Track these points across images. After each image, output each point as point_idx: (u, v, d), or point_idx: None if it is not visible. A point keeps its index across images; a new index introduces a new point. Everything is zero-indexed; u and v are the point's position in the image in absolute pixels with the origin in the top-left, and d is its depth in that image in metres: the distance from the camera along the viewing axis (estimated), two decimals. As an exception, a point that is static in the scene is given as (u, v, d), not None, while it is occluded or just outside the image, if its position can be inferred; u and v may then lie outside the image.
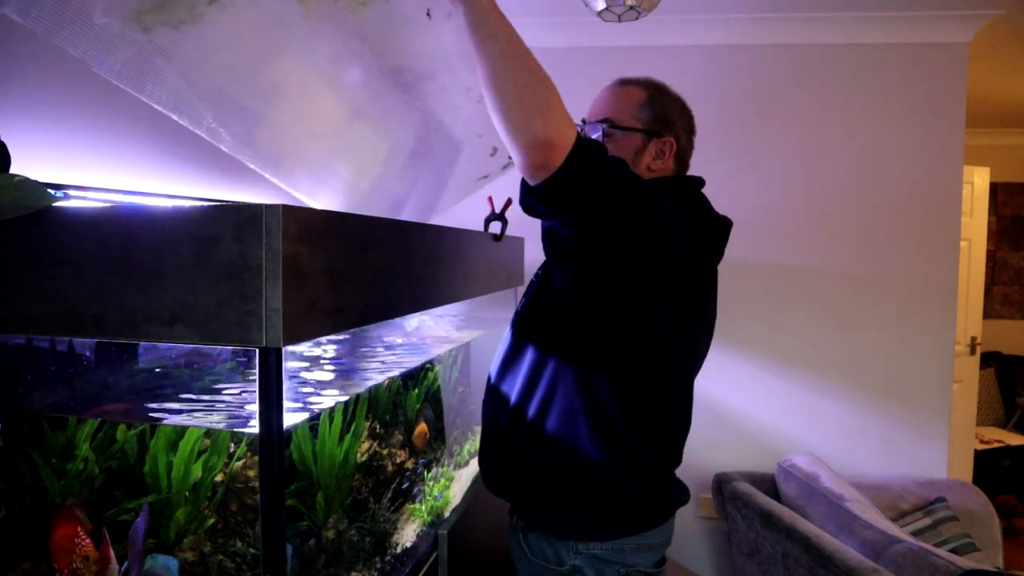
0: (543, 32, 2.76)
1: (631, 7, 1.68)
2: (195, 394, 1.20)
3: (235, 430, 1.16)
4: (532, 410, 1.18)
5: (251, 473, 1.25)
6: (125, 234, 0.85)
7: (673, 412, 1.20)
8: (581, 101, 2.99)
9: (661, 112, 1.24)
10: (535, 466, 1.18)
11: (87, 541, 0.99)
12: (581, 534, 1.17)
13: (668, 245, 1.07)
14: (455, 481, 1.87)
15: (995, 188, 4.32)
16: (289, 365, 1.41)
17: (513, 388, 1.22)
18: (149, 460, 1.10)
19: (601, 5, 1.69)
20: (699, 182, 1.28)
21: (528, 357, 1.20)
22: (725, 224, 1.27)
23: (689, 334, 1.20)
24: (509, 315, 2.52)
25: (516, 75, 0.94)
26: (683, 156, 1.27)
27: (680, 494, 1.26)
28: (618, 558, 1.18)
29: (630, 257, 1.05)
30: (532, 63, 0.95)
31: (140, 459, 1.11)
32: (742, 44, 2.71)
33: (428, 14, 1.15)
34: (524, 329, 1.24)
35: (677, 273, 1.11)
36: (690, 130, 1.28)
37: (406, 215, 1.53)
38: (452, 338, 2.27)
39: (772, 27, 2.66)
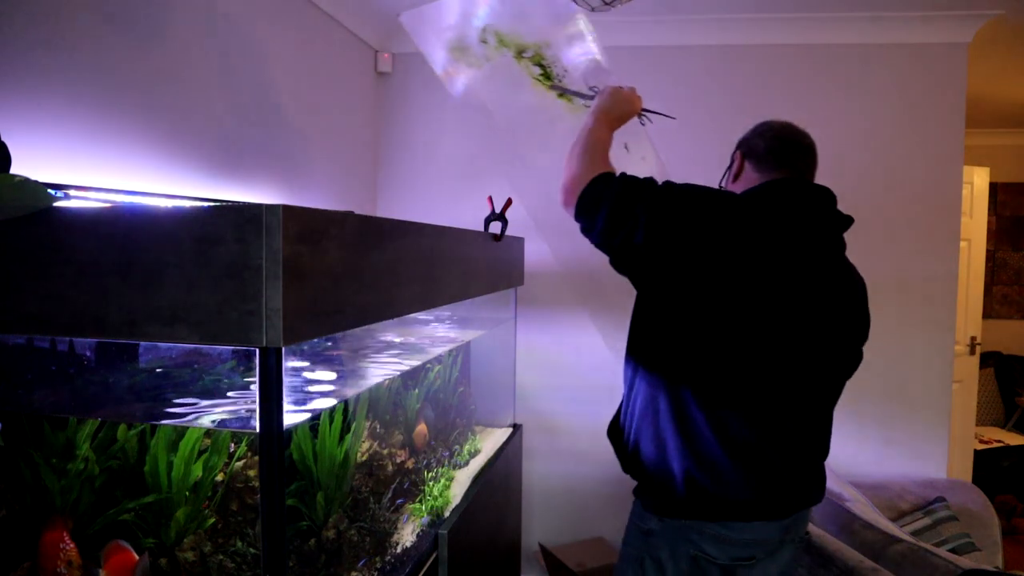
0: (543, 32, 2.76)
1: (605, 1, 1.68)
2: (195, 394, 1.20)
3: (235, 430, 1.16)
4: (632, 405, 1.38)
5: (251, 473, 1.25)
6: (125, 234, 0.85)
7: (760, 414, 1.25)
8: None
9: (742, 138, 1.51)
10: (633, 450, 1.39)
11: (71, 547, 0.99)
12: (656, 508, 1.33)
13: (719, 253, 1.21)
14: (455, 481, 1.87)
15: (995, 188, 4.31)
16: (289, 364, 1.41)
17: (625, 385, 1.43)
18: (149, 460, 1.10)
19: None
20: (786, 184, 1.34)
21: (630, 366, 1.40)
22: (832, 223, 1.36)
23: (778, 335, 1.24)
24: (509, 315, 2.53)
25: (582, 151, 1.39)
26: (761, 156, 1.41)
27: (767, 500, 1.29)
28: (692, 537, 1.30)
29: (666, 263, 1.24)
30: (598, 148, 1.40)
31: (140, 459, 1.11)
32: (742, 44, 2.70)
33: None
34: (629, 346, 1.42)
35: (739, 280, 1.21)
36: (767, 134, 1.43)
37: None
38: (452, 338, 2.27)
39: (772, 27, 2.66)
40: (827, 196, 1.37)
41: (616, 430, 1.46)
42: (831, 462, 2.44)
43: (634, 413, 1.38)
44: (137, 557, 1.00)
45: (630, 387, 1.40)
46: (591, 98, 1.70)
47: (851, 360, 1.41)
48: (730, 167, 1.48)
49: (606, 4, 1.65)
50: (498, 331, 2.52)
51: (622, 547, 1.44)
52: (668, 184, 1.30)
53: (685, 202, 1.24)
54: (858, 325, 1.38)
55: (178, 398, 1.19)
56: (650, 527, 1.35)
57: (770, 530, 1.32)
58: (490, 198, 2.00)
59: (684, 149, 2.76)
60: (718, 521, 1.29)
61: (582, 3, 1.69)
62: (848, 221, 1.39)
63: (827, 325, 1.30)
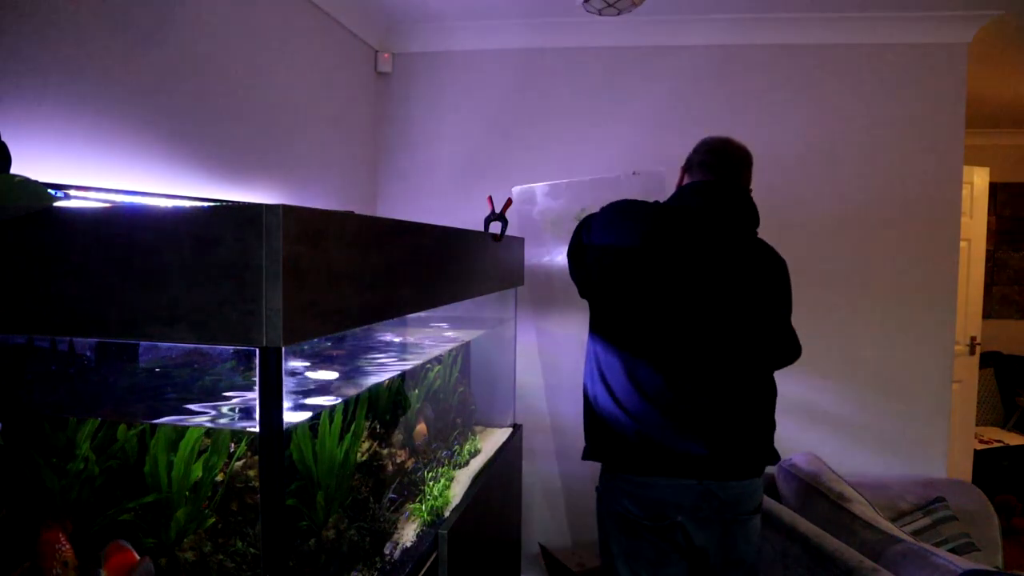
0: (542, 32, 2.76)
1: (610, 4, 1.72)
2: (195, 394, 1.20)
3: (235, 430, 1.17)
4: (584, 373, 1.69)
5: (251, 473, 1.25)
6: (125, 234, 0.85)
7: (655, 371, 1.50)
8: (581, 101, 2.99)
9: (687, 157, 1.73)
10: (584, 411, 1.67)
11: (67, 547, 0.99)
12: (595, 455, 1.63)
13: (627, 239, 1.57)
14: (455, 481, 1.87)
15: (995, 188, 4.30)
16: (290, 364, 1.41)
17: None
18: (149, 460, 1.10)
19: None
20: (690, 187, 1.63)
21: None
22: (733, 213, 1.58)
23: (667, 302, 1.51)
24: (509, 315, 2.54)
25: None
26: (694, 169, 1.66)
27: (662, 455, 1.49)
28: (616, 493, 1.56)
29: (595, 253, 1.64)
30: None
31: (140, 459, 1.11)
32: (742, 44, 2.70)
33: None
34: None
35: (640, 259, 1.54)
36: (701, 150, 1.67)
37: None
38: (452, 338, 2.27)
39: (772, 27, 2.66)
40: (732, 193, 1.59)
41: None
42: (831, 461, 2.45)
43: (584, 378, 1.66)
44: (138, 557, 1.00)
45: (586, 359, 1.68)
46: None
47: (753, 330, 1.54)
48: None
49: (610, 6, 1.69)
50: (498, 331, 2.52)
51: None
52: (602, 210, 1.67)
53: (604, 211, 1.64)
54: (758, 298, 1.56)
55: (178, 398, 1.19)
56: (598, 488, 1.66)
57: (679, 492, 1.50)
58: (490, 198, 2.00)
59: (683, 149, 2.75)
60: (628, 473, 1.52)
61: (590, 8, 1.72)
62: (752, 214, 1.63)
63: (719, 295, 1.51)
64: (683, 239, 1.54)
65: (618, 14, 1.77)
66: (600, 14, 1.78)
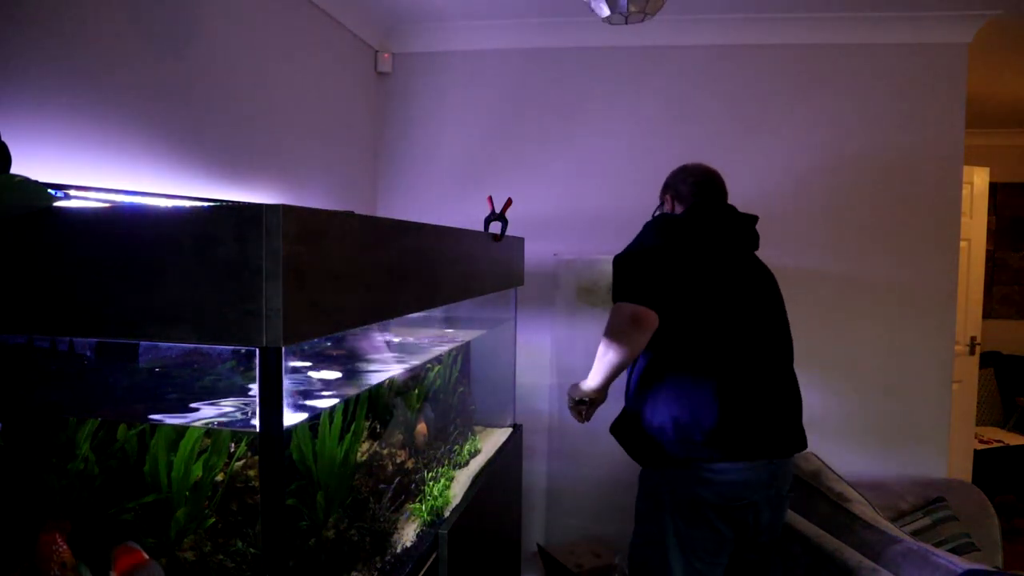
0: (542, 32, 2.76)
1: (637, 12, 1.73)
2: (195, 393, 1.20)
3: (235, 430, 1.16)
4: (632, 385, 1.78)
5: (251, 473, 1.25)
6: (125, 234, 0.85)
7: (719, 371, 1.63)
8: (581, 101, 2.98)
9: (667, 183, 1.88)
10: (633, 420, 1.74)
11: (65, 548, 0.99)
12: (656, 463, 1.69)
13: (658, 279, 1.65)
14: (455, 481, 1.87)
15: (995, 188, 4.29)
16: (291, 364, 1.41)
17: (629, 376, 1.83)
18: (149, 460, 1.10)
19: (606, 12, 1.75)
20: (697, 211, 1.76)
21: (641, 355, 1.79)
22: (738, 225, 1.76)
23: (711, 321, 1.65)
24: (509, 315, 2.54)
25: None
26: (685, 198, 1.80)
27: (737, 442, 1.59)
28: (686, 482, 1.61)
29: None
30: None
31: (140, 459, 1.11)
32: (742, 44, 2.70)
33: None
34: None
35: (675, 286, 1.64)
36: (688, 180, 1.80)
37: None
38: (452, 338, 2.27)
39: (771, 27, 2.66)
40: (731, 209, 1.78)
41: (618, 423, 1.78)
42: (831, 461, 2.45)
43: (632, 389, 1.74)
44: (147, 557, 1.00)
45: (630, 372, 1.77)
46: None
47: (779, 331, 1.76)
48: (661, 206, 1.88)
49: (638, 12, 1.73)
50: (498, 331, 2.52)
51: (636, 514, 1.74)
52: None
53: (653, 226, 1.75)
54: (773, 304, 1.77)
55: (178, 398, 1.19)
56: (655, 482, 1.68)
57: (757, 473, 1.61)
58: (490, 198, 2.00)
59: (683, 149, 2.76)
60: (706, 461, 1.59)
61: (615, 17, 1.75)
62: (753, 219, 1.80)
63: (748, 304, 1.70)
64: (725, 250, 1.73)
65: (643, 20, 1.79)
66: (627, 22, 1.80)
